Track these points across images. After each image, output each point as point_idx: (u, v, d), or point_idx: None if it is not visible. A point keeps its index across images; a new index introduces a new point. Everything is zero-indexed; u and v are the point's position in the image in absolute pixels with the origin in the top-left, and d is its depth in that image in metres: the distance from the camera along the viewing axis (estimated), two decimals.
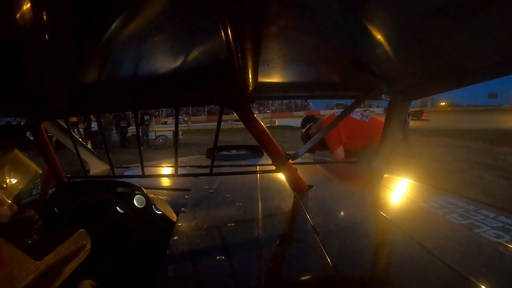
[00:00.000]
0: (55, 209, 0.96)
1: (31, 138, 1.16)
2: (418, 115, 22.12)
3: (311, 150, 2.57)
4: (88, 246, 0.61)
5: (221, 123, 1.06)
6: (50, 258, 0.50)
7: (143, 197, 0.89)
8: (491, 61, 0.70)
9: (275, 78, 1.04)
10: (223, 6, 0.49)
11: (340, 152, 2.61)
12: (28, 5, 0.44)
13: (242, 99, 1.02)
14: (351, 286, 0.54)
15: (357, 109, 2.70)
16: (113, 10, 0.50)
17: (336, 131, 2.58)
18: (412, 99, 1.16)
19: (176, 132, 1.02)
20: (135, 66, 0.81)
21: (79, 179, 1.25)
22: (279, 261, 0.65)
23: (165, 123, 25.88)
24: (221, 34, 0.56)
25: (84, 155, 1.56)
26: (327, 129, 1.26)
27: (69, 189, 1.02)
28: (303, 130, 2.92)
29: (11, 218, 0.57)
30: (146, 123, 11.06)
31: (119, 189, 0.92)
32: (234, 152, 2.07)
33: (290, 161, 1.08)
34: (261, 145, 1.08)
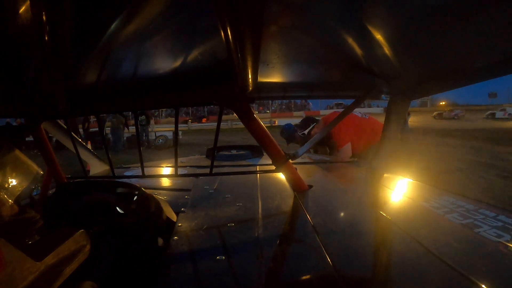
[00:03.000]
0: (55, 209, 0.96)
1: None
2: None
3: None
4: (88, 246, 0.61)
5: (221, 123, 1.06)
6: (50, 259, 0.50)
7: None
8: (491, 60, 0.70)
9: (275, 78, 1.04)
10: (223, 6, 0.49)
11: (347, 149, 2.56)
12: (28, 5, 0.44)
13: (242, 99, 1.02)
14: (351, 286, 0.54)
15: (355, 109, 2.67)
16: (113, 10, 0.50)
17: (344, 127, 2.51)
18: (412, 99, 1.16)
19: (176, 132, 1.01)
20: (135, 66, 0.81)
21: (79, 180, 1.25)
22: (279, 261, 0.65)
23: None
24: (221, 34, 0.56)
25: (84, 155, 1.56)
26: (327, 128, 1.26)
27: (69, 189, 1.02)
28: (306, 132, 2.91)
29: (12, 218, 0.57)
30: (141, 123, 10.97)
31: (119, 190, 0.92)
32: (234, 152, 2.07)
33: (290, 161, 1.08)
34: (261, 145, 1.08)
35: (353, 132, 2.58)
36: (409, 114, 9.21)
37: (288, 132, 3.05)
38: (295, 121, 3.39)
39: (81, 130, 10.99)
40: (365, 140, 2.61)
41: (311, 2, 0.53)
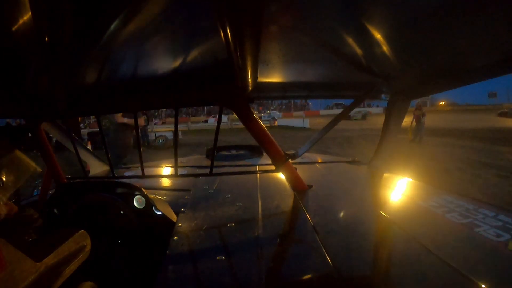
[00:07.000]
0: (55, 210, 0.96)
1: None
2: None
3: None
4: (88, 247, 0.61)
5: (221, 123, 1.06)
6: (50, 259, 0.50)
7: (143, 198, 0.89)
8: (490, 60, 0.70)
9: (274, 78, 1.04)
10: (223, 6, 0.49)
11: None
12: (28, 7, 0.44)
13: (241, 99, 1.02)
14: (351, 285, 0.54)
15: None
16: (113, 11, 0.50)
17: None
18: (412, 99, 1.16)
19: (175, 133, 1.01)
20: (135, 66, 0.81)
21: (79, 180, 1.25)
22: (279, 261, 0.65)
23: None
24: (221, 34, 0.56)
25: (84, 156, 1.56)
26: (326, 129, 1.26)
27: (69, 190, 1.02)
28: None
29: (10, 217, 0.57)
30: (145, 123, 11.01)
31: (119, 190, 0.92)
32: (234, 152, 2.07)
33: (290, 161, 1.08)
34: (261, 145, 1.08)
35: None
36: (424, 115, 9.09)
37: None
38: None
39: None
40: None
41: (311, 2, 0.53)
